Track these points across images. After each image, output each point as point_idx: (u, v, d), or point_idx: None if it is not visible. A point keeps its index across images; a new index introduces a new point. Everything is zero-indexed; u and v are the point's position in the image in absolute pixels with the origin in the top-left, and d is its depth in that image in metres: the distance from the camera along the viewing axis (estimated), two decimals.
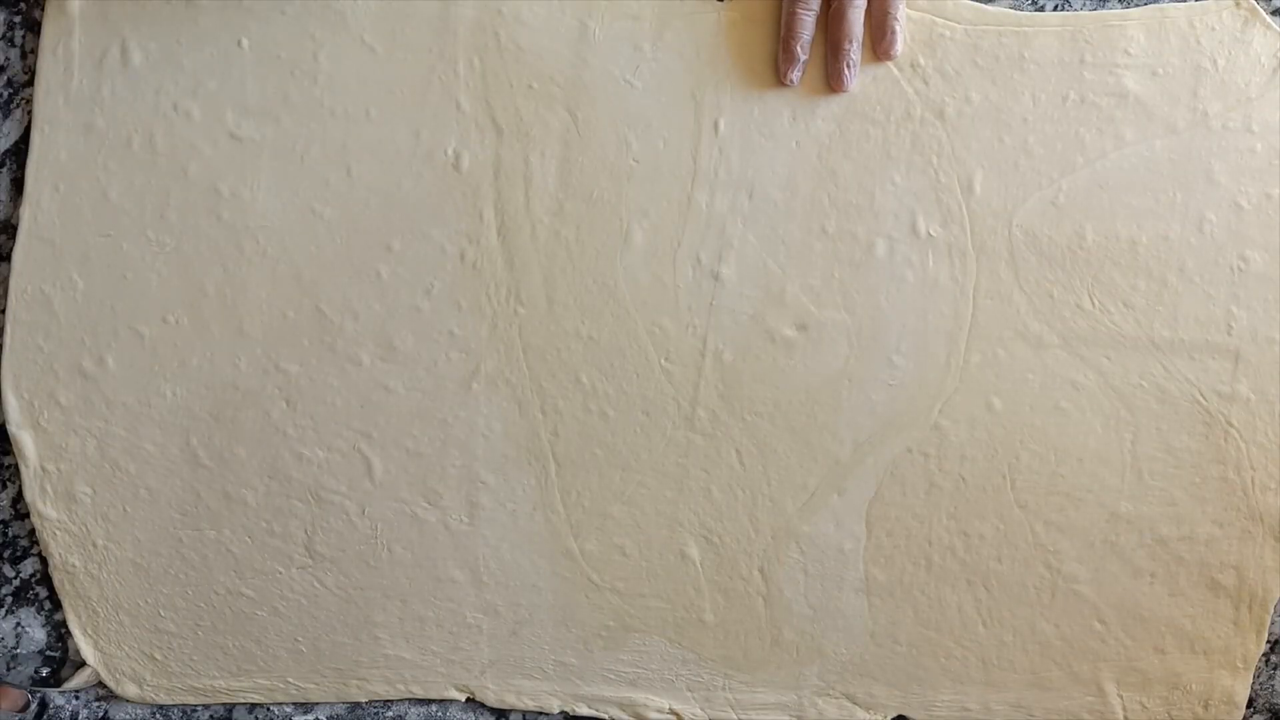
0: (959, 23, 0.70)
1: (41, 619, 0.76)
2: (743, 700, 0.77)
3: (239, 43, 0.70)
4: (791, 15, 0.68)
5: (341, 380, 0.72)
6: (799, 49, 0.69)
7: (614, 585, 0.75)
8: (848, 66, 0.69)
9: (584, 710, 0.77)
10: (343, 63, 0.70)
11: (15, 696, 0.73)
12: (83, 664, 0.75)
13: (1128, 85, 0.70)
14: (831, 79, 0.69)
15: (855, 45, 0.68)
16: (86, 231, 0.71)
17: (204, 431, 0.72)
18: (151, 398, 0.72)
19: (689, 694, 0.77)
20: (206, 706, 0.77)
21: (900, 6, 0.68)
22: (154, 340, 0.71)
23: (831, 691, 0.76)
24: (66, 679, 0.75)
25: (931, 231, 0.71)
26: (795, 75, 0.69)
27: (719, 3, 0.71)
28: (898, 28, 0.68)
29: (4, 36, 0.70)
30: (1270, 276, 0.72)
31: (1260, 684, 0.78)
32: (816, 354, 0.72)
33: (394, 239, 0.71)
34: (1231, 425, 0.73)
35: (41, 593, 0.76)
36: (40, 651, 0.75)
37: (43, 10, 0.70)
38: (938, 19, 0.70)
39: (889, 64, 0.70)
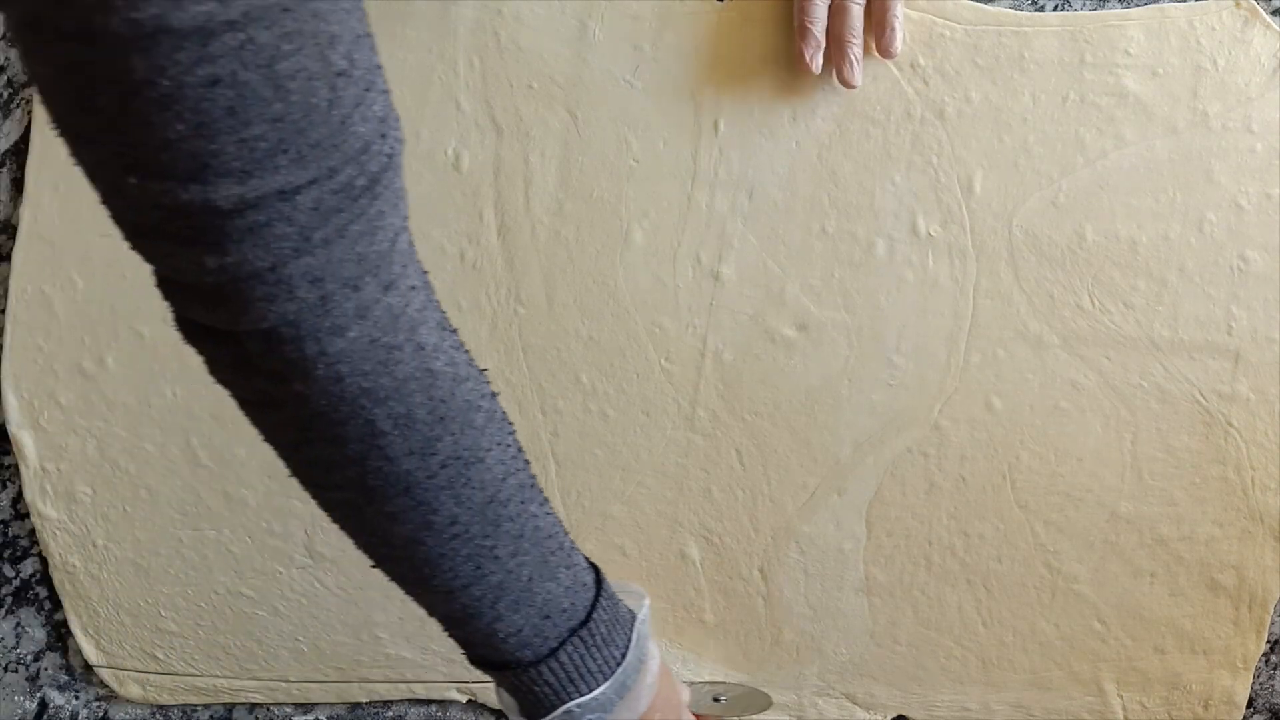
0: (959, 23, 0.70)
1: (41, 619, 0.76)
2: None
3: None
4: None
5: None
6: (818, 32, 0.67)
7: None
8: (853, 62, 0.68)
9: None
10: None
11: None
12: None
13: (1128, 85, 0.70)
14: (838, 74, 0.68)
15: (858, 41, 0.68)
16: (86, 231, 0.70)
17: (204, 431, 0.72)
18: (151, 397, 0.72)
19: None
20: (207, 706, 0.77)
21: (899, 4, 0.68)
22: (154, 340, 0.71)
23: (831, 691, 0.76)
24: None
25: (931, 231, 0.71)
26: (819, 59, 0.67)
27: (719, 3, 0.71)
28: (898, 25, 0.68)
29: (4, 36, 0.70)
30: (1270, 277, 0.72)
31: (1260, 684, 0.78)
32: (816, 354, 0.72)
33: None
34: (1231, 425, 0.73)
35: (41, 593, 0.76)
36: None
37: None
38: (938, 19, 0.70)
39: (889, 64, 0.70)
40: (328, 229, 0.39)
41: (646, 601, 0.57)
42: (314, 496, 0.49)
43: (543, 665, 0.51)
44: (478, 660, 0.54)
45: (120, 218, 0.40)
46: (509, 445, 0.49)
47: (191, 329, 0.43)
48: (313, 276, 0.40)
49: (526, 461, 0.51)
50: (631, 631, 0.54)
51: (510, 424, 0.50)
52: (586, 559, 0.55)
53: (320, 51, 0.37)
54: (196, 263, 0.39)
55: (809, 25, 0.67)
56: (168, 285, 0.42)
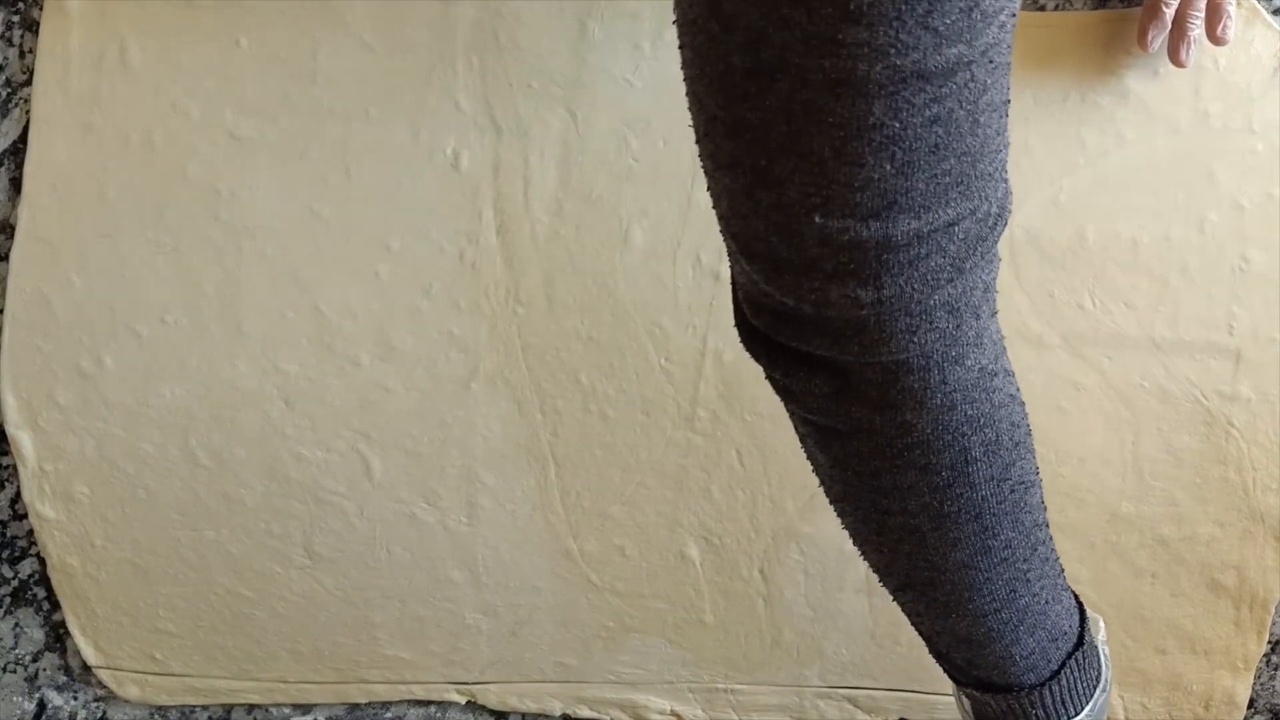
0: None
1: (40, 619, 0.76)
2: (744, 702, 0.77)
3: (238, 42, 0.69)
4: None
5: (340, 380, 0.72)
6: (1170, 15, 0.65)
7: (613, 586, 0.75)
8: (1191, 43, 0.66)
9: (585, 712, 0.77)
10: (342, 62, 0.70)
11: None
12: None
13: (1129, 84, 0.70)
14: (1174, 54, 0.67)
15: (1200, 23, 0.66)
16: (85, 231, 0.70)
17: (202, 432, 0.72)
18: (150, 398, 0.72)
19: (690, 695, 0.77)
20: (205, 707, 0.77)
21: None
22: (152, 340, 0.71)
23: (833, 694, 0.76)
24: None
25: None
26: (1160, 39, 0.66)
27: None
28: (1232, 12, 0.66)
29: (3, 36, 0.70)
30: (1271, 276, 0.71)
31: (1261, 684, 0.78)
32: None
33: (393, 239, 0.71)
34: (1233, 425, 0.73)
35: (40, 593, 0.76)
36: None
37: (42, 10, 0.70)
38: None
39: None
40: (972, 258, 0.40)
41: (1101, 621, 0.57)
42: (864, 521, 0.49)
43: (1044, 688, 0.52)
44: (973, 681, 0.54)
45: (768, 254, 0.40)
46: (1039, 468, 0.50)
47: (783, 356, 0.43)
48: (951, 306, 0.40)
49: None
50: (1099, 652, 0.55)
51: None
52: None
53: (1002, 83, 0.38)
54: (849, 297, 0.39)
55: (1164, 8, 0.66)
56: (783, 316, 0.42)
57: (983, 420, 0.44)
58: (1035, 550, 0.49)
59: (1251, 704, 0.78)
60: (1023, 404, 0.47)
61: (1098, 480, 0.73)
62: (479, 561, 0.74)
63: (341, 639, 0.75)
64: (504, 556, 0.74)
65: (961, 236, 0.39)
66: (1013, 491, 0.47)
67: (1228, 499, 0.74)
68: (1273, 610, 0.75)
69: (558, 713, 0.77)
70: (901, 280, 0.39)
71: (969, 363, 0.42)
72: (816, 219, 0.38)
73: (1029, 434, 0.48)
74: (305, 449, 0.73)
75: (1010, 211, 0.42)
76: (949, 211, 0.38)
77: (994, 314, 0.44)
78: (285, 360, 0.72)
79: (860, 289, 0.39)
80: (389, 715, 0.78)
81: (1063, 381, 0.72)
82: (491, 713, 0.78)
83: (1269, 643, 0.77)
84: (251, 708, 0.77)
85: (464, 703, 0.77)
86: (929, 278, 0.39)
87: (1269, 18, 0.70)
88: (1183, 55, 0.67)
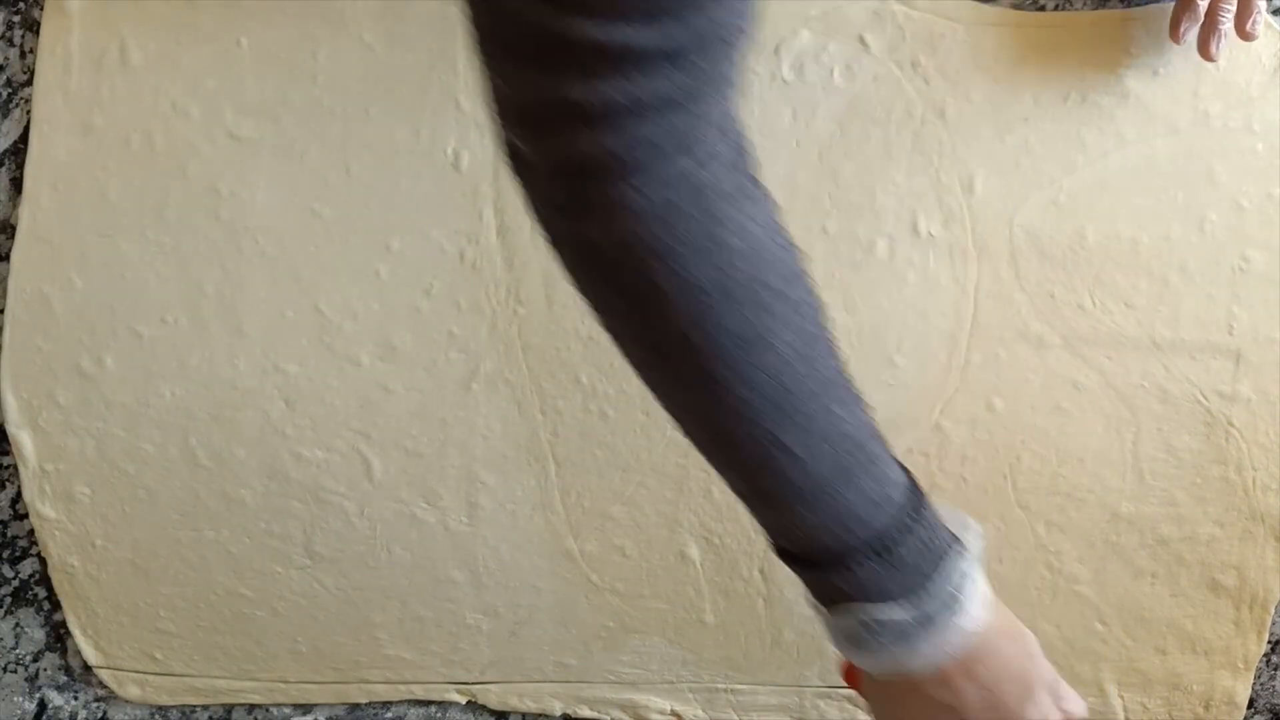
0: (959, 23, 0.70)
1: (41, 619, 0.76)
2: (744, 702, 0.77)
3: (238, 42, 0.69)
4: None
5: (340, 380, 0.72)
6: (1203, 7, 0.65)
7: (614, 586, 0.75)
8: (1221, 36, 0.66)
9: (586, 712, 0.77)
10: (342, 62, 0.70)
11: None
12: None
13: (1129, 84, 0.70)
14: (1203, 47, 0.67)
15: (1231, 17, 0.66)
16: (85, 231, 0.70)
17: (203, 431, 0.72)
18: (150, 398, 0.72)
19: (690, 695, 0.77)
20: (205, 707, 0.77)
21: None
22: (153, 340, 0.71)
23: (833, 694, 0.76)
24: None
25: (932, 231, 0.71)
26: (1193, 33, 0.66)
27: None
28: (1263, 8, 0.66)
29: (3, 36, 0.70)
30: (1272, 276, 0.71)
31: (1261, 684, 0.78)
32: None
33: (393, 238, 0.71)
34: (1233, 425, 0.73)
35: (40, 593, 0.76)
36: None
37: (42, 10, 0.70)
38: (938, 19, 0.70)
39: (890, 63, 0.70)
40: (672, 91, 0.41)
41: (977, 543, 0.54)
42: (614, 343, 0.50)
43: (836, 575, 0.50)
44: (779, 552, 0.53)
45: (493, 35, 0.43)
46: (814, 339, 0.48)
47: (517, 158, 0.47)
48: (641, 133, 0.42)
49: (839, 361, 0.49)
50: (942, 565, 0.51)
51: (827, 325, 0.49)
52: (909, 478, 0.53)
53: None
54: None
55: (1198, 1, 0.66)
56: (515, 107, 0.45)
57: (668, 255, 0.44)
58: (790, 418, 0.48)
59: (1251, 704, 0.78)
60: (752, 259, 0.46)
61: (1098, 480, 0.73)
62: (479, 561, 0.74)
63: (342, 639, 0.75)
64: (504, 556, 0.74)
65: (681, 72, 0.41)
66: (731, 342, 0.47)
67: (1228, 499, 0.74)
68: (1273, 610, 0.75)
69: (558, 713, 0.77)
70: (607, 86, 0.40)
71: (651, 194, 0.43)
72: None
73: (763, 289, 0.47)
74: (305, 449, 0.73)
75: (733, 62, 0.43)
76: (664, 39, 0.40)
77: (702, 158, 0.44)
78: (285, 360, 0.72)
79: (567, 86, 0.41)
80: (389, 715, 0.78)
81: (1062, 381, 0.72)
82: (492, 713, 0.78)
83: (1269, 643, 0.77)
84: (252, 708, 0.77)
85: (464, 703, 0.77)
86: (629, 92, 0.41)
87: (1269, 18, 0.70)
88: (1213, 49, 0.67)
